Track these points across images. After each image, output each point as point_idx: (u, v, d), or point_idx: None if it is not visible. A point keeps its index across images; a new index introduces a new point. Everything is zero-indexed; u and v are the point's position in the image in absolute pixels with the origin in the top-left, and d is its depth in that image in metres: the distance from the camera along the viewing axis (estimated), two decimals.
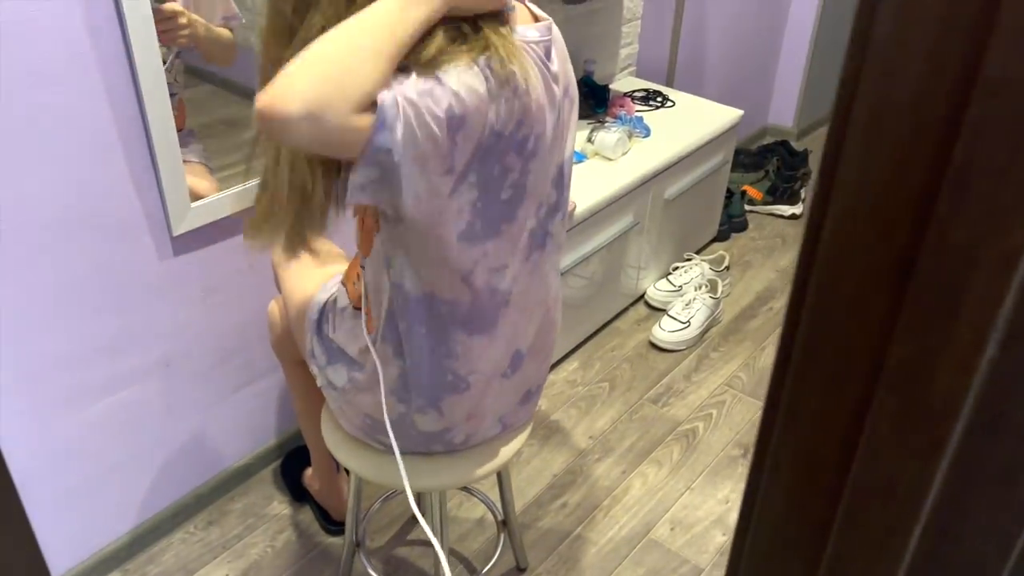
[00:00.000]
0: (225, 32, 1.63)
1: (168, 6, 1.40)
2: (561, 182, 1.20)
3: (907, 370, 0.34)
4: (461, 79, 0.95)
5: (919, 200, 0.32)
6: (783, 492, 0.42)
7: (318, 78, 0.89)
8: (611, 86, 2.65)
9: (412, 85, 0.93)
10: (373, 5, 0.94)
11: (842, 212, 0.34)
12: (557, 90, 1.09)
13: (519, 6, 1.11)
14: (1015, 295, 0.31)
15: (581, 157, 2.27)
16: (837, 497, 0.39)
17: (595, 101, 2.48)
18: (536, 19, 1.11)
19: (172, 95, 1.60)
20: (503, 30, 1.01)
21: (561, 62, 1.12)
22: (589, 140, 2.30)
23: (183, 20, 1.44)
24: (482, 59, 0.97)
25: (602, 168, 2.25)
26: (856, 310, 0.36)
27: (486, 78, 0.97)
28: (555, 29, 1.12)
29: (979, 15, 0.28)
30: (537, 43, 1.05)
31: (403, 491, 1.20)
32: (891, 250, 0.33)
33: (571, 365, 2.33)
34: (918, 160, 0.31)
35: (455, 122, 0.95)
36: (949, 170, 0.30)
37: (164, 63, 1.58)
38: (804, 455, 0.41)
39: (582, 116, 2.46)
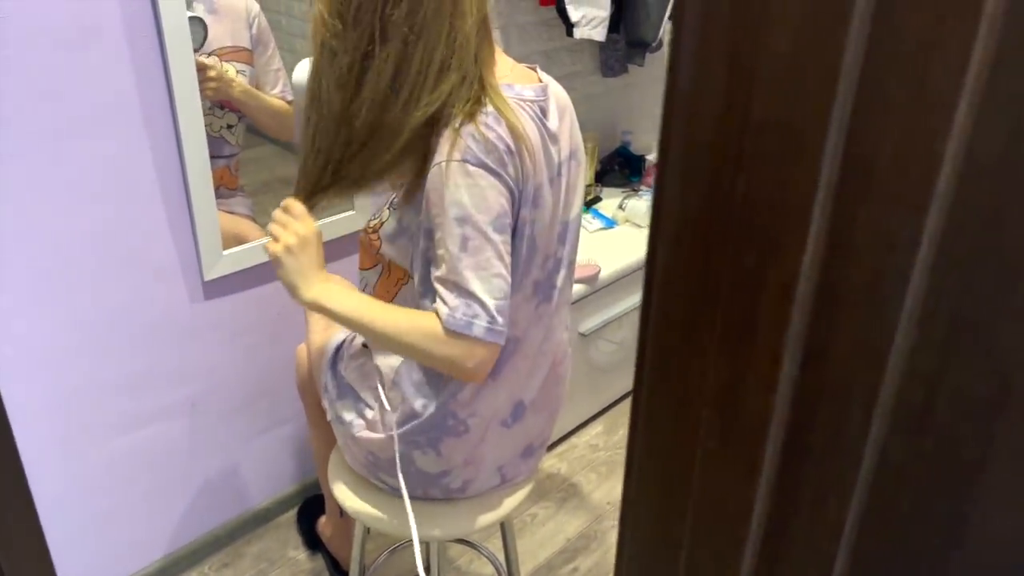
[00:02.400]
0: (277, 102, 1.73)
1: (198, 59, 1.50)
2: (566, 239, 1.24)
3: (724, 390, 0.37)
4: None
5: (723, 230, 0.35)
6: (646, 512, 0.44)
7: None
8: (648, 156, 2.70)
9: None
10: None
11: (669, 244, 0.38)
12: (554, 148, 1.15)
13: (523, 68, 1.19)
14: (802, 316, 0.33)
15: (612, 223, 2.32)
16: (684, 516, 0.42)
17: (630, 170, 2.53)
18: (539, 81, 1.18)
19: (232, 155, 1.71)
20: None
21: (562, 123, 1.18)
22: (620, 207, 2.35)
23: (212, 74, 1.55)
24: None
25: (632, 234, 2.28)
26: (686, 335, 0.39)
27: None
28: (557, 93, 1.19)
29: (748, 64, 0.32)
30: (532, 102, 1.12)
31: (409, 543, 1.23)
32: (707, 276, 0.37)
33: (595, 429, 2.33)
34: (718, 194, 0.35)
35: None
36: (737, 202, 0.34)
37: (232, 126, 1.70)
38: (661, 474, 0.43)
39: (616, 184, 2.51)
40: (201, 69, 1.51)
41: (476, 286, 1.05)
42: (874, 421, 0.33)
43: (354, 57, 1.06)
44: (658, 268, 0.38)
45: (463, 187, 1.04)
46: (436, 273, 1.08)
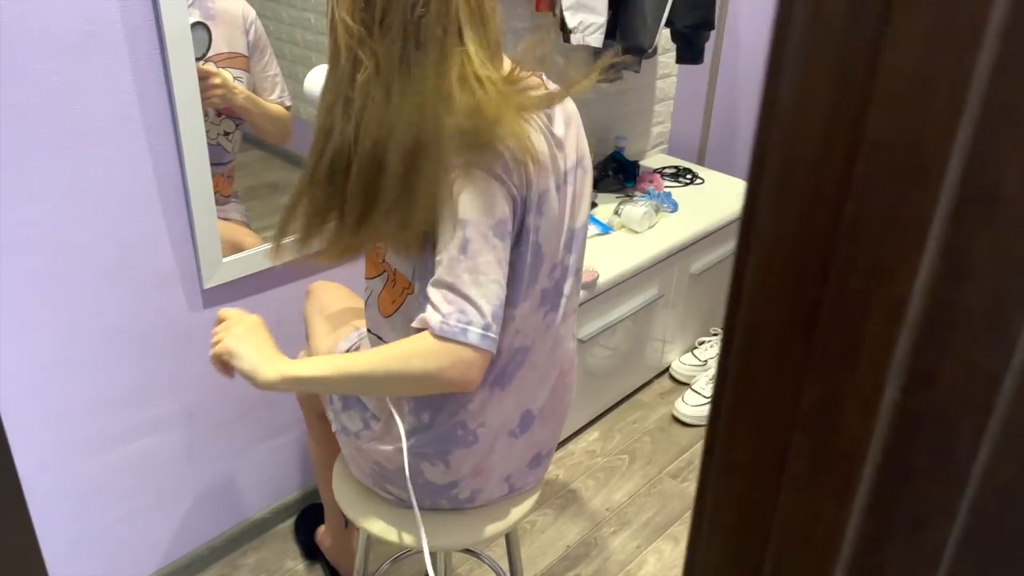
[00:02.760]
0: (276, 107, 1.71)
1: (203, 66, 1.48)
2: (573, 246, 1.24)
3: (819, 413, 0.36)
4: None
5: (823, 252, 0.34)
6: (720, 537, 0.44)
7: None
8: (641, 162, 2.71)
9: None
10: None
11: (760, 265, 0.37)
12: (560, 155, 1.14)
13: (533, 76, 1.18)
14: (908, 339, 0.33)
15: (607, 229, 2.32)
16: (767, 540, 0.41)
17: (625, 176, 2.53)
18: (546, 87, 1.17)
19: (228, 162, 1.69)
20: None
21: (569, 129, 1.17)
22: (616, 213, 2.35)
23: (216, 80, 1.53)
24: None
25: (628, 240, 2.28)
26: (776, 357, 0.38)
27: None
28: (564, 101, 1.18)
29: (862, 82, 0.31)
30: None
31: (411, 552, 1.21)
32: (802, 299, 0.36)
33: (591, 435, 2.33)
34: (820, 215, 0.34)
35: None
36: (843, 223, 0.33)
37: (229, 133, 1.67)
38: (738, 499, 0.42)
39: (611, 190, 2.51)
40: (205, 77, 1.49)
41: (473, 290, 1.02)
42: (983, 445, 0.33)
43: (388, 62, 1.03)
44: (746, 291, 0.38)
45: (466, 191, 1.03)
46: (432, 278, 1.05)
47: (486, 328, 1.03)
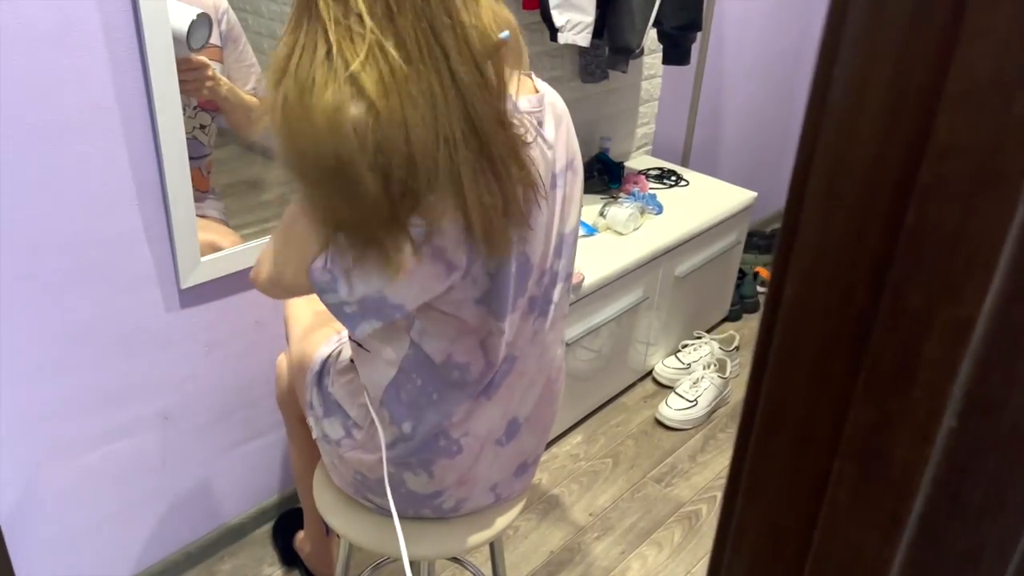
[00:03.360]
0: (252, 99, 1.67)
1: (198, 57, 1.44)
2: (563, 251, 1.21)
3: (866, 438, 0.34)
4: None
5: (876, 264, 0.32)
6: (746, 565, 0.41)
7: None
8: (626, 163, 2.69)
9: None
10: None
11: (802, 275, 0.34)
12: (550, 155, 1.11)
13: (520, 76, 1.14)
14: (971, 364, 0.30)
15: (592, 231, 2.29)
16: (799, 571, 0.38)
17: (609, 177, 2.51)
18: (536, 91, 1.14)
19: (205, 155, 1.64)
20: None
21: (559, 130, 1.14)
22: (601, 214, 2.32)
23: (209, 73, 1.49)
24: None
25: (613, 242, 2.26)
26: (817, 375, 0.35)
27: None
28: (554, 102, 1.15)
29: (928, 82, 0.28)
30: (529, 113, 1.08)
31: (392, 560, 1.18)
32: (850, 314, 0.33)
33: (574, 439, 2.30)
34: (874, 223, 0.31)
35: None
36: (902, 234, 0.30)
37: (205, 126, 1.63)
38: (767, 526, 0.39)
39: (596, 191, 2.49)
40: (199, 67, 1.44)
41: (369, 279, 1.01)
42: None
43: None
44: (784, 302, 0.35)
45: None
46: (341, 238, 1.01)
47: (344, 304, 1.03)
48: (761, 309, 0.37)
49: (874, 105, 0.30)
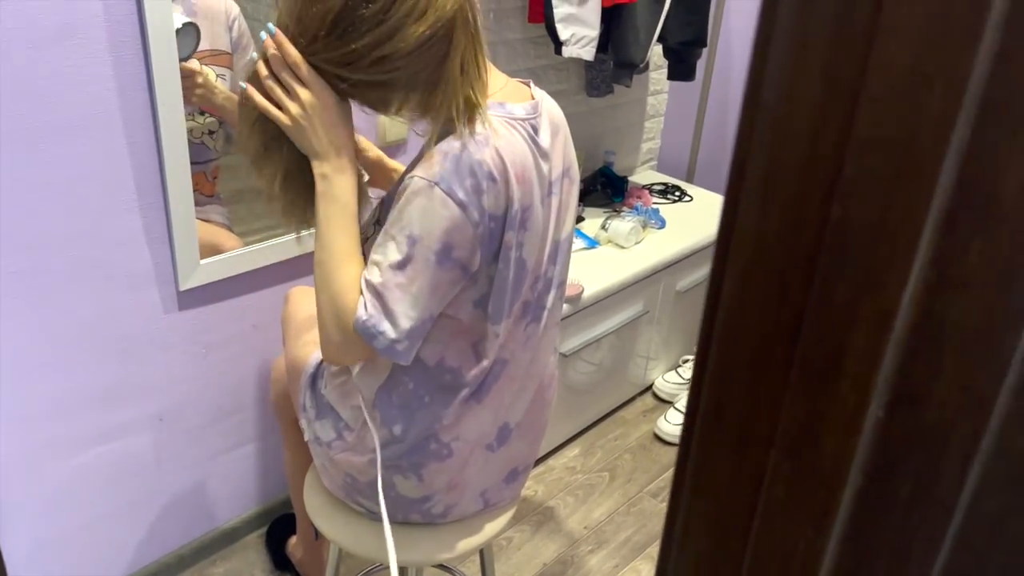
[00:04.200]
0: None
1: (185, 64, 1.46)
2: (557, 258, 1.21)
3: (798, 432, 0.34)
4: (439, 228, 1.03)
5: (808, 259, 0.32)
6: (691, 563, 0.41)
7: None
8: (631, 178, 2.69)
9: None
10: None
11: (739, 273, 0.35)
12: (546, 165, 1.12)
13: (516, 84, 1.16)
14: (895, 354, 0.30)
15: (594, 243, 2.30)
16: (740, 566, 0.38)
17: (613, 191, 2.52)
18: (532, 98, 1.15)
19: (211, 160, 1.66)
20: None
21: (555, 140, 1.15)
22: (603, 227, 2.33)
23: (199, 79, 1.50)
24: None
25: (614, 255, 2.27)
26: (755, 371, 0.35)
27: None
28: (550, 110, 1.16)
29: (851, 78, 0.29)
30: (524, 120, 1.09)
31: (383, 566, 1.18)
32: (785, 309, 0.34)
33: (572, 451, 2.30)
34: (807, 219, 0.32)
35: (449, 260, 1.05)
36: (828, 228, 0.31)
37: (213, 132, 1.64)
38: (711, 523, 0.40)
39: (599, 204, 2.49)
40: (188, 75, 1.46)
41: (399, 307, 1.04)
42: (972, 471, 0.31)
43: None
44: (723, 300, 0.35)
45: (422, 209, 1.02)
46: (367, 276, 1.06)
47: (395, 342, 1.06)
48: (703, 306, 0.37)
49: (804, 102, 0.31)
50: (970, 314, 0.29)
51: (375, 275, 1.05)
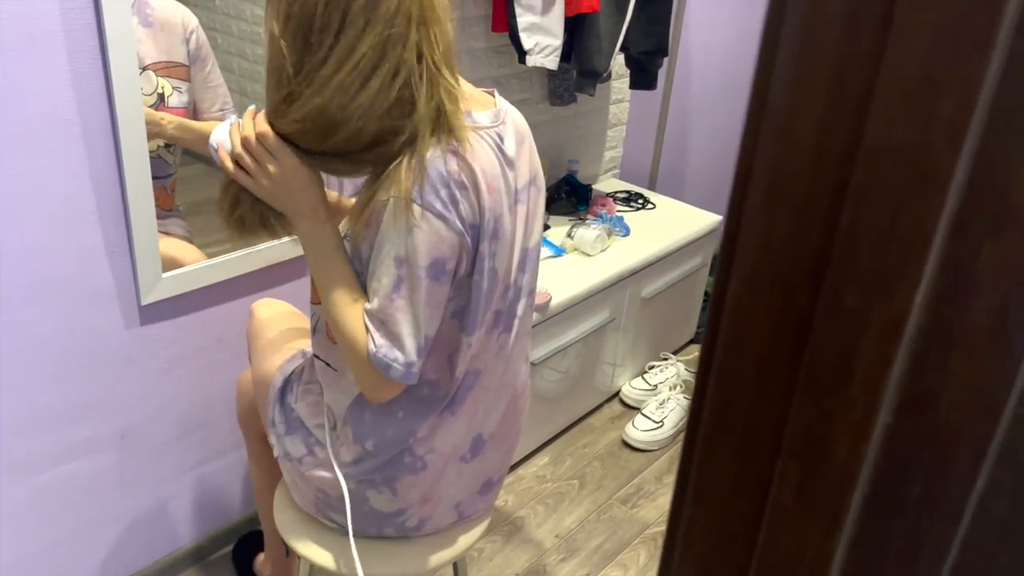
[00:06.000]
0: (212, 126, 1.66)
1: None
2: (526, 267, 1.21)
3: (806, 437, 0.34)
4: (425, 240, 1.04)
5: (816, 265, 0.32)
6: (694, 570, 0.41)
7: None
8: (594, 186, 2.71)
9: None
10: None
11: (745, 278, 0.35)
12: (512, 174, 1.12)
13: (481, 93, 1.16)
14: (906, 361, 0.31)
15: (560, 252, 2.30)
16: (746, 573, 0.38)
17: (577, 199, 2.53)
18: (495, 106, 1.15)
19: (170, 175, 1.62)
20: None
21: (521, 148, 1.15)
22: (569, 236, 2.34)
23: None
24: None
25: (580, 263, 2.27)
26: (760, 377, 0.35)
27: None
28: (515, 119, 1.16)
29: (861, 84, 0.29)
30: (489, 128, 1.09)
31: None
32: (791, 315, 0.34)
33: (541, 460, 2.30)
34: (813, 225, 0.32)
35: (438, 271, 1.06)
36: (838, 234, 0.31)
37: (170, 146, 1.60)
38: (714, 530, 0.40)
39: (564, 212, 2.50)
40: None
41: (403, 328, 1.05)
42: (980, 475, 0.31)
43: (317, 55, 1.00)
44: (728, 304, 0.35)
45: (406, 228, 1.01)
46: (367, 306, 1.07)
47: (408, 366, 1.07)
48: (707, 312, 0.37)
49: (812, 108, 0.31)
50: (980, 318, 0.29)
51: (374, 303, 1.06)
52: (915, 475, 0.32)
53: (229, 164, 1.09)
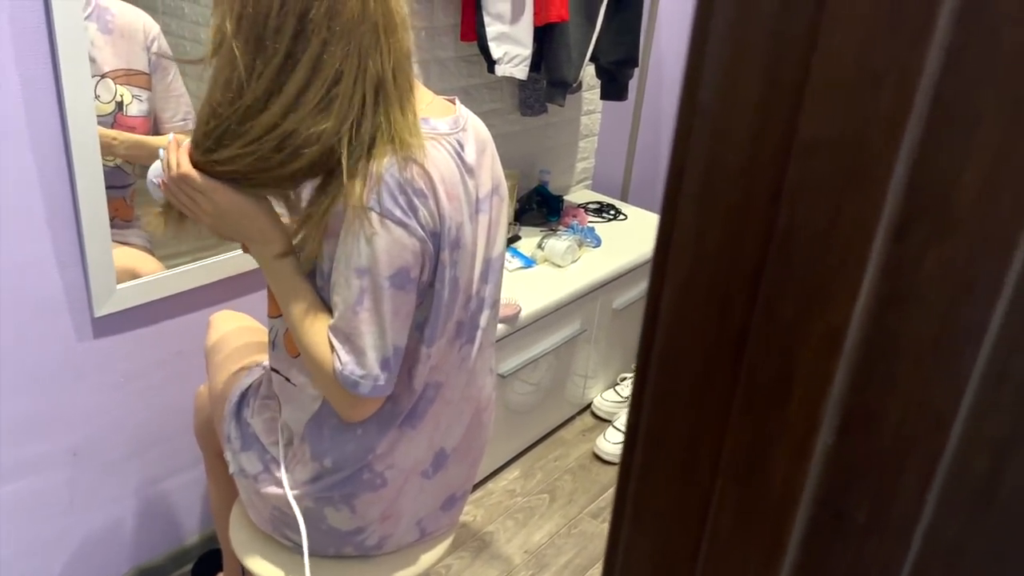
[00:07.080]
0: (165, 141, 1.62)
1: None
2: (489, 277, 1.19)
3: (745, 457, 0.31)
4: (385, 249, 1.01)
5: (751, 271, 0.30)
6: None
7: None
8: (566, 197, 2.69)
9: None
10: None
11: (678, 287, 0.32)
12: (472, 184, 1.09)
13: (441, 101, 1.13)
14: (847, 375, 0.28)
15: (530, 263, 2.28)
16: None
17: (548, 210, 2.51)
18: (456, 112, 1.12)
19: (127, 185, 1.58)
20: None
21: (482, 157, 1.13)
22: (539, 247, 2.32)
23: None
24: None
25: (551, 274, 2.25)
26: (697, 393, 0.33)
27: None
28: (476, 127, 1.14)
29: (797, 75, 0.27)
30: (448, 135, 1.07)
31: None
32: (727, 327, 0.31)
33: (511, 474, 2.26)
34: (749, 229, 0.30)
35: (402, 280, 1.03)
36: (774, 238, 0.28)
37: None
38: (653, 556, 0.37)
39: (535, 223, 2.48)
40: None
41: (367, 340, 1.02)
42: (929, 496, 0.29)
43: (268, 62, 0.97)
44: (662, 317, 0.33)
45: (365, 238, 0.98)
46: (332, 322, 1.04)
47: (376, 379, 1.04)
48: (641, 324, 0.35)
49: (744, 102, 0.29)
50: (926, 328, 0.27)
51: (338, 318, 1.03)
52: (861, 496, 0.30)
53: (173, 200, 1.07)
